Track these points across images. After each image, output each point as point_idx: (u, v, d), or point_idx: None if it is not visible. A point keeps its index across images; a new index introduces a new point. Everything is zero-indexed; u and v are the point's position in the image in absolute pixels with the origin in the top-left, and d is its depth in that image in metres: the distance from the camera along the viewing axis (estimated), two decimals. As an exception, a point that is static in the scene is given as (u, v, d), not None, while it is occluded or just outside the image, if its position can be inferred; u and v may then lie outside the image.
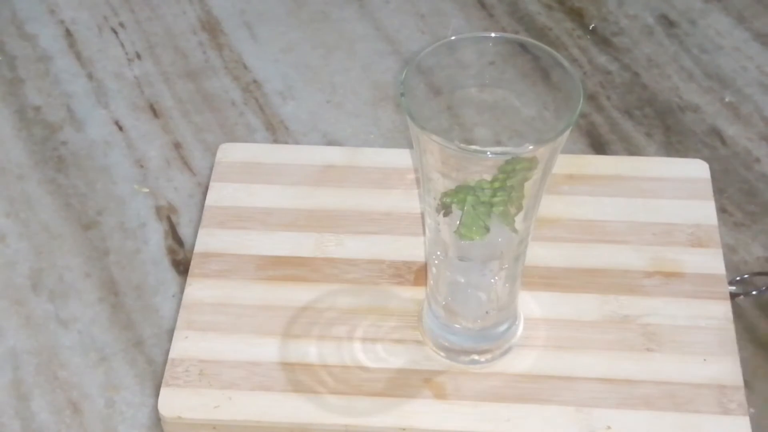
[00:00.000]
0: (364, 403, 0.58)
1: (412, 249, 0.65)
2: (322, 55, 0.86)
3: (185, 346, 0.61)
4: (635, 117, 0.79)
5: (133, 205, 0.75)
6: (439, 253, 0.57)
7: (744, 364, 0.62)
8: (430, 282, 0.60)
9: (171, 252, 0.72)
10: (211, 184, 0.70)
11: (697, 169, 0.70)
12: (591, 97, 0.80)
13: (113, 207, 0.75)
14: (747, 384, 0.62)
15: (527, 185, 0.51)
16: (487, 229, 0.51)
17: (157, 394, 0.60)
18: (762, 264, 0.69)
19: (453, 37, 0.52)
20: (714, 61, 0.84)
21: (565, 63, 0.50)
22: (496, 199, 0.51)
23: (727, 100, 0.80)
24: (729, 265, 0.66)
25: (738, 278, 0.67)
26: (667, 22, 0.87)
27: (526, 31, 0.87)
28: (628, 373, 0.59)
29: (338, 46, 0.87)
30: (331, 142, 0.78)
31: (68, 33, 0.88)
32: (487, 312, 0.59)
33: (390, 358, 0.60)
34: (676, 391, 0.58)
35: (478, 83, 0.54)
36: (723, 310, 0.62)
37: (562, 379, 0.59)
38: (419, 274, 0.64)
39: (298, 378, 0.59)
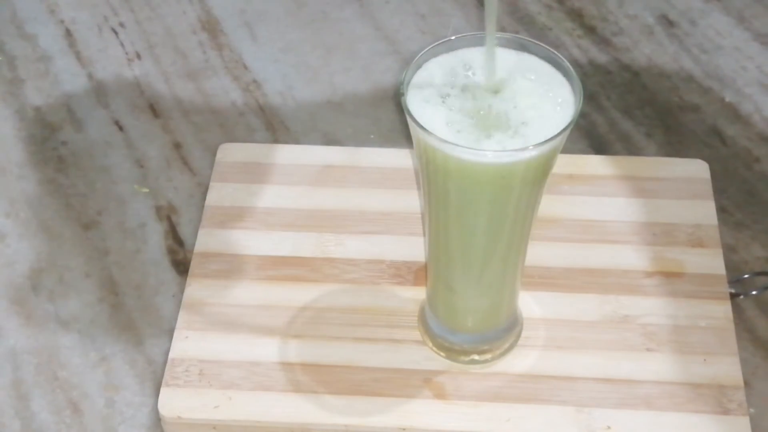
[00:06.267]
0: (364, 403, 0.58)
1: (412, 249, 0.65)
2: (322, 55, 0.86)
3: (185, 346, 0.61)
4: (635, 117, 0.79)
5: (133, 205, 0.75)
6: (439, 253, 0.57)
7: (744, 364, 0.62)
8: (430, 282, 0.60)
9: (171, 252, 0.72)
10: (211, 184, 0.70)
11: (697, 169, 0.70)
12: (591, 97, 0.80)
13: (113, 207, 0.75)
14: (747, 384, 0.62)
15: (525, 187, 0.51)
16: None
17: (157, 394, 0.61)
18: (762, 264, 0.69)
19: (453, 37, 0.51)
20: (714, 61, 0.84)
21: (565, 63, 0.50)
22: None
23: (727, 100, 0.80)
24: (729, 265, 0.66)
25: (738, 278, 0.67)
26: (667, 22, 0.87)
27: (526, 31, 0.87)
28: (628, 373, 0.59)
29: (338, 46, 0.87)
30: (331, 142, 0.78)
31: (68, 33, 0.88)
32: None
33: (390, 358, 0.60)
34: (676, 391, 0.58)
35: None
36: (723, 310, 0.62)
37: (562, 379, 0.59)
38: (419, 274, 0.64)
39: (298, 378, 0.59)
